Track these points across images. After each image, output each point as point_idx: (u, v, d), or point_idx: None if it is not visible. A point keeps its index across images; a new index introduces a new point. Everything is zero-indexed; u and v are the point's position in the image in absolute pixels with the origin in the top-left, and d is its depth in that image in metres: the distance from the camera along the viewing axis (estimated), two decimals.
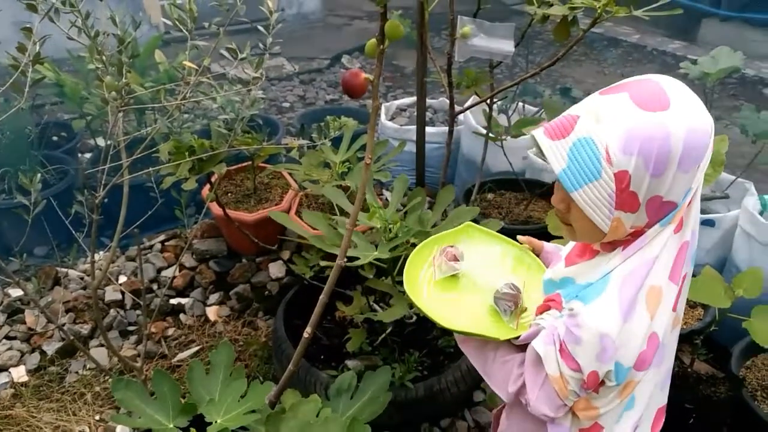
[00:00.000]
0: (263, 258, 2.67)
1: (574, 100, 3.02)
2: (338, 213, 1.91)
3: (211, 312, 2.60)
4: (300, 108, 4.77)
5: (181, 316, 2.58)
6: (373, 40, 1.15)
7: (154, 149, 1.72)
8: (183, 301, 2.60)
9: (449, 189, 1.62)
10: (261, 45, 1.59)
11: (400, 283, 1.97)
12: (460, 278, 1.14)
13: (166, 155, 1.77)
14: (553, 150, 0.91)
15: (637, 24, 6.40)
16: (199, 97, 1.58)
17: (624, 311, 0.91)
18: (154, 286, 2.62)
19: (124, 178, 1.52)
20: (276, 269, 2.63)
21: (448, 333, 2.23)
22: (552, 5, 2.01)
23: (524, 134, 2.63)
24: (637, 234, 0.94)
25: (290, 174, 2.14)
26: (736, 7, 5.93)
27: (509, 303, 1.08)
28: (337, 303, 2.26)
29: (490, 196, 2.78)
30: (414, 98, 3.69)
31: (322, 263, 1.54)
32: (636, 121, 0.85)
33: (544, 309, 1.02)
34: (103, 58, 1.47)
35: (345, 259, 1.16)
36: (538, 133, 0.94)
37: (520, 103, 3.10)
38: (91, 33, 1.44)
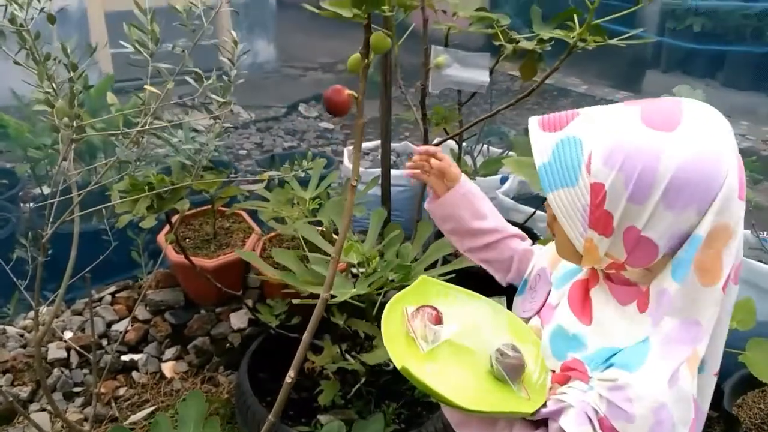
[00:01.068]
0: (224, 308, 2.50)
1: None
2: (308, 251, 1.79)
3: (167, 368, 2.39)
4: (257, 155, 4.67)
5: (134, 374, 2.36)
6: (357, 55, 1.07)
7: (106, 186, 1.59)
8: (136, 357, 2.39)
9: (427, 223, 1.54)
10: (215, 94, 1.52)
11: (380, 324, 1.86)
12: (444, 343, 0.94)
13: (117, 195, 1.63)
14: (540, 141, 0.84)
15: (584, 75, 6.63)
16: (155, 139, 1.48)
17: (671, 376, 0.78)
18: (104, 342, 2.41)
19: (75, 215, 1.37)
20: (238, 319, 2.46)
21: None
22: (518, 42, 2.01)
23: (493, 174, 2.60)
24: (618, 267, 0.85)
25: (257, 212, 2.02)
26: (675, 60, 6.26)
27: (516, 367, 0.90)
28: (308, 353, 2.12)
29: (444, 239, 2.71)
30: (376, 142, 3.65)
31: (297, 301, 1.41)
32: (630, 134, 0.77)
33: (564, 379, 0.88)
34: (54, 84, 1.35)
35: (330, 293, 1.04)
36: (533, 121, 0.87)
37: (485, 146, 3.09)
38: (40, 57, 1.32)
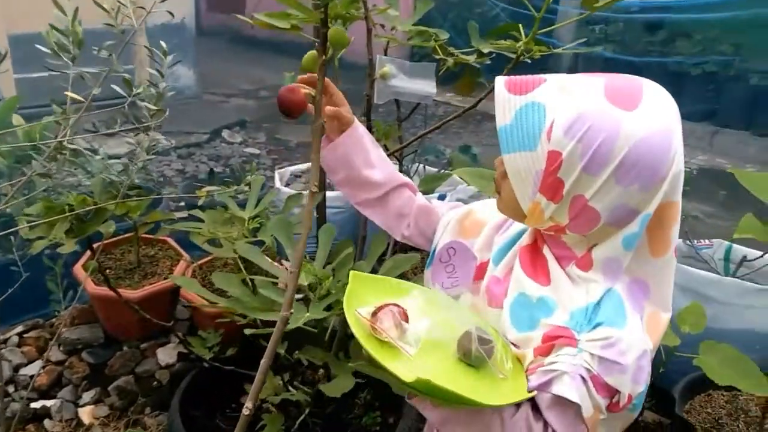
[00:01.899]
0: (149, 343, 2.30)
1: (475, 158, 3.04)
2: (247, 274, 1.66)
3: (85, 414, 2.16)
4: (179, 182, 4.45)
5: (46, 423, 2.11)
6: (312, 52, 0.98)
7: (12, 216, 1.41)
8: (48, 403, 2.14)
9: (381, 238, 1.45)
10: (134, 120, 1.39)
11: (343, 349, 1.72)
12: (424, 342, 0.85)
13: (24, 221, 1.45)
14: (504, 102, 0.85)
15: None
16: (69, 166, 1.33)
17: (643, 327, 0.87)
18: (11, 389, 2.14)
19: None
20: (166, 355, 2.27)
21: (381, 408, 2.00)
22: (453, 55, 1.99)
23: (431, 192, 2.55)
24: (559, 231, 0.88)
25: (186, 237, 1.87)
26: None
27: (492, 349, 0.85)
28: (245, 386, 1.96)
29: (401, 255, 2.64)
30: (308, 164, 3.55)
31: (250, 331, 1.28)
32: (593, 107, 0.80)
33: (548, 349, 0.85)
34: None
35: (292, 311, 0.93)
36: (500, 81, 0.87)
37: (421, 165, 3.06)
38: None
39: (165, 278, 2.25)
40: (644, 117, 0.80)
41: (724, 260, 2.32)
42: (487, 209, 1.11)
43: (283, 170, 3.38)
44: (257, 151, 5.13)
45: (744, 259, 2.16)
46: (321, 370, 2.15)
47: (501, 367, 0.83)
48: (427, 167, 3.10)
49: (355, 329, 0.81)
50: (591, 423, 0.83)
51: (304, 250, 0.96)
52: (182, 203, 3.39)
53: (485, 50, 1.95)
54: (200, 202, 1.63)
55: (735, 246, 2.31)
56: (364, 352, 0.78)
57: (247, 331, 1.24)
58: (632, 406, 0.85)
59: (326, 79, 1.04)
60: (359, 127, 1.13)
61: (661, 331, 0.89)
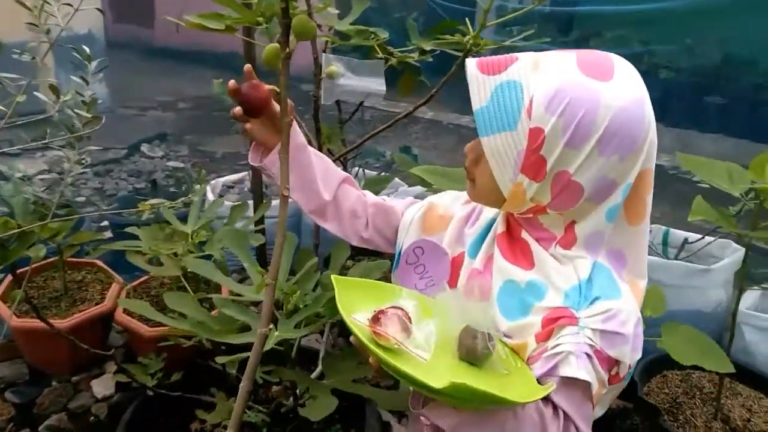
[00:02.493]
0: (82, 375, 2.11)
1: (416, 159, 3.01)
2: (192, 293, 1.54)
3: None
4: (98, 201, 4.18)
5: None
6: (274, 45, 0.90)
7: None
8: None
9: (343, 246, 1.38)
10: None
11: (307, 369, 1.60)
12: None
13: None
14: (478, 83, 0.83)
15: (430, 104, 6.87)
16: None
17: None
18: None
19: None
20: (102, 386, 2.09)
21: (342, 420, 1.92)
22: (393, 55, 1.95)
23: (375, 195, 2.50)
24: (538, 211, 0.87)
25: (118, 259, 1.72)
26: None
27: (493, 345, 0.80)
28: (197, 412, 1.83)
29: (348, 262, 2.57)
30: (240, 174, 3.42)
31: (224, 358, 1.17)
32: (570, 81, 0.80)
33: (548, 334, 0.83)
34: None
35: (270, 326, 0.84)
36: (471, 62, 0.85)
37: (360, 168, 3.00)
38: None
39: (96, 304, 2.07)
40: (620, 87, 0.80)
41: (663, 244, 2.40)
42: (448, 201, 1.08)
43: (214, 182, 3.23)
44: (181, 165, 4.91)
45: (686, 241, 2.24)
46: (274, 387, 2.05)
47: (506, 362, 0.80)
48: (366, 171, 3.04)
49: (361, 337, 0.73)
50: (596, 398, 0.83)
51: (280, 259, 0.87)
52: (105, 222, 3.17)
53: (428, 48, 1.92)
54: (145, 216, 1.50)
55: (672, 230, 2.39)
56: (380, 362, 0.72)
57: (220, 359, 1.13)
58: (627, 375, 0.86)
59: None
60: (297, 128, 1.05)
61: (641, 299, 0.90)
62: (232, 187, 3.25)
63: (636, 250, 0.89)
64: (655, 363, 1.89)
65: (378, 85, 1.57)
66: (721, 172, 1.62)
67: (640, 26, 6.02)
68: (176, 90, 7.27)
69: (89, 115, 1.13)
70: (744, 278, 1.65)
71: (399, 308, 0.79)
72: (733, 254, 2.18)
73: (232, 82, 0.94)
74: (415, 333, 0.77)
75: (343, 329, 2.44)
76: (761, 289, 2.06)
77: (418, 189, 2.54)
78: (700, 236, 2.20)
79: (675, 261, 2.13)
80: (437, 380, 0.67)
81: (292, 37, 0.92)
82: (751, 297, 2.15)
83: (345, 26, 1.96)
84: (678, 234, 2.35)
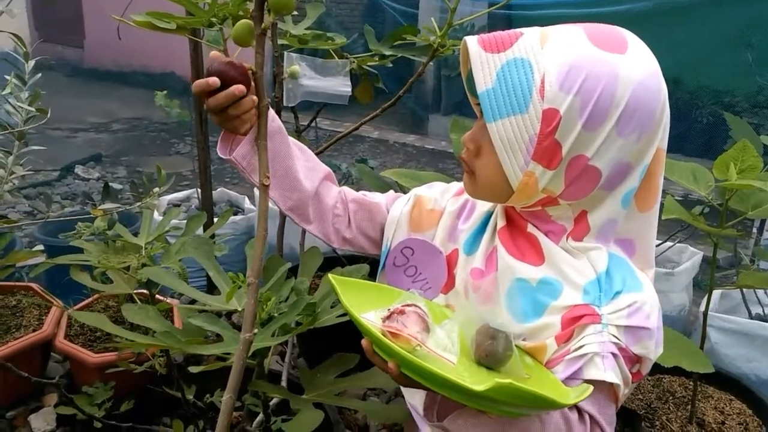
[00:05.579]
0: (17, 410, 1.92)
1: (373, 169, 2.94)
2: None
3: None
4: (29, 225, 3.90)
5: None
6: (246, 21, 0.81)
7: None
8: None
9: (315, 252, 1.29)
10: None
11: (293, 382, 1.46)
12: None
13: None
14: (482, 63, 0.75)
15: (375, 122, 6.85)
16: None
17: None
18: None
19: None
20: (41, 421, 1.90)
21: None
22: (354, 60, 1.90)
23: None
24: (548, 203, 0.79)
25: (53, 281, 1.57)
26: (452, 104, 6.81)
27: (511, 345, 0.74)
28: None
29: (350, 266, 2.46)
30: (186, 192, 3.27)
31: (198, 368, 1.04)
32: (585, 55, 0.72)
33: (568, 335, 0.75)
34: None
35: (255, 331, 0.75)
36: (472, 40, 0.77)
37: None
38: None
39: (34, 330, 1.89)
40: (636, 59, 0.74)
41: None
42: (437, 194, 1.00)
43: (159, 200, 3.06)
44: (119, 186, 4.67)
45: None
46: (234, 413, 1.91)
47: (525, 365, 0.72)
48: None
49: (380, 336, 0.65)
50: (621, 399, 0.78)
51: (261, 258, 0.78)
52: (40, 247, 2.94)
53: (387, 52, 1.88)
54: (97, 222, 1.36)
55: None
56: (403, 365, 0.63)
57: (193, 369, 1.01)
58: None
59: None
60: (276, 117, 0.94)
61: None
62: (179, 205, 3.09)
63: (645, 237, 0.83)
64: None
65: (343, 86, 1.50)
66: (685, 172, 1.62)
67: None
68: (109, 111, 6.97)
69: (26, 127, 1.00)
70: (712, 278, 1.65)
71: (415, 305, 0.70)
72: (691, 258, 2.21)
73: (214, 53, 0.85)
74: (437, 332, 0.69)
75: (304, 349, 2.32)
76: (724, 289, 2.09)
77: None
78: (660, 242, 2.23)
79: None
80: (476, 383, 0.59)
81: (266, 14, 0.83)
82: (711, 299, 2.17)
83: (301, 30, 1.89)
84: None
